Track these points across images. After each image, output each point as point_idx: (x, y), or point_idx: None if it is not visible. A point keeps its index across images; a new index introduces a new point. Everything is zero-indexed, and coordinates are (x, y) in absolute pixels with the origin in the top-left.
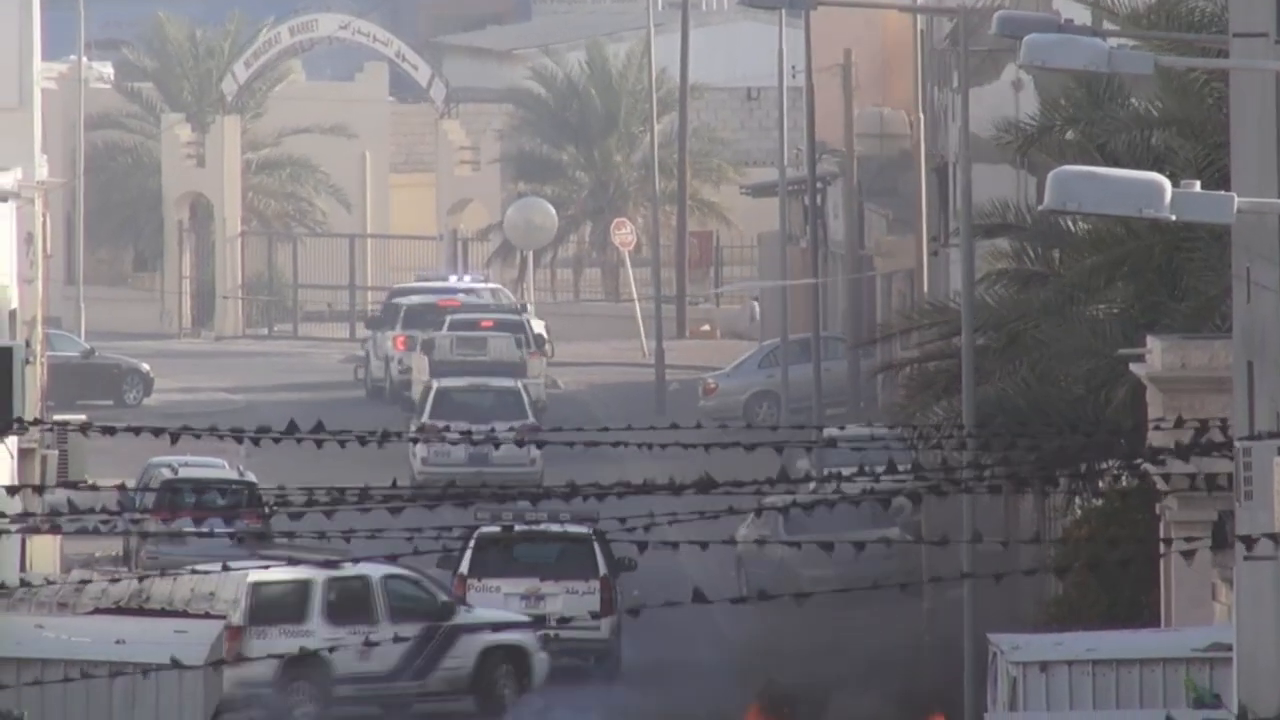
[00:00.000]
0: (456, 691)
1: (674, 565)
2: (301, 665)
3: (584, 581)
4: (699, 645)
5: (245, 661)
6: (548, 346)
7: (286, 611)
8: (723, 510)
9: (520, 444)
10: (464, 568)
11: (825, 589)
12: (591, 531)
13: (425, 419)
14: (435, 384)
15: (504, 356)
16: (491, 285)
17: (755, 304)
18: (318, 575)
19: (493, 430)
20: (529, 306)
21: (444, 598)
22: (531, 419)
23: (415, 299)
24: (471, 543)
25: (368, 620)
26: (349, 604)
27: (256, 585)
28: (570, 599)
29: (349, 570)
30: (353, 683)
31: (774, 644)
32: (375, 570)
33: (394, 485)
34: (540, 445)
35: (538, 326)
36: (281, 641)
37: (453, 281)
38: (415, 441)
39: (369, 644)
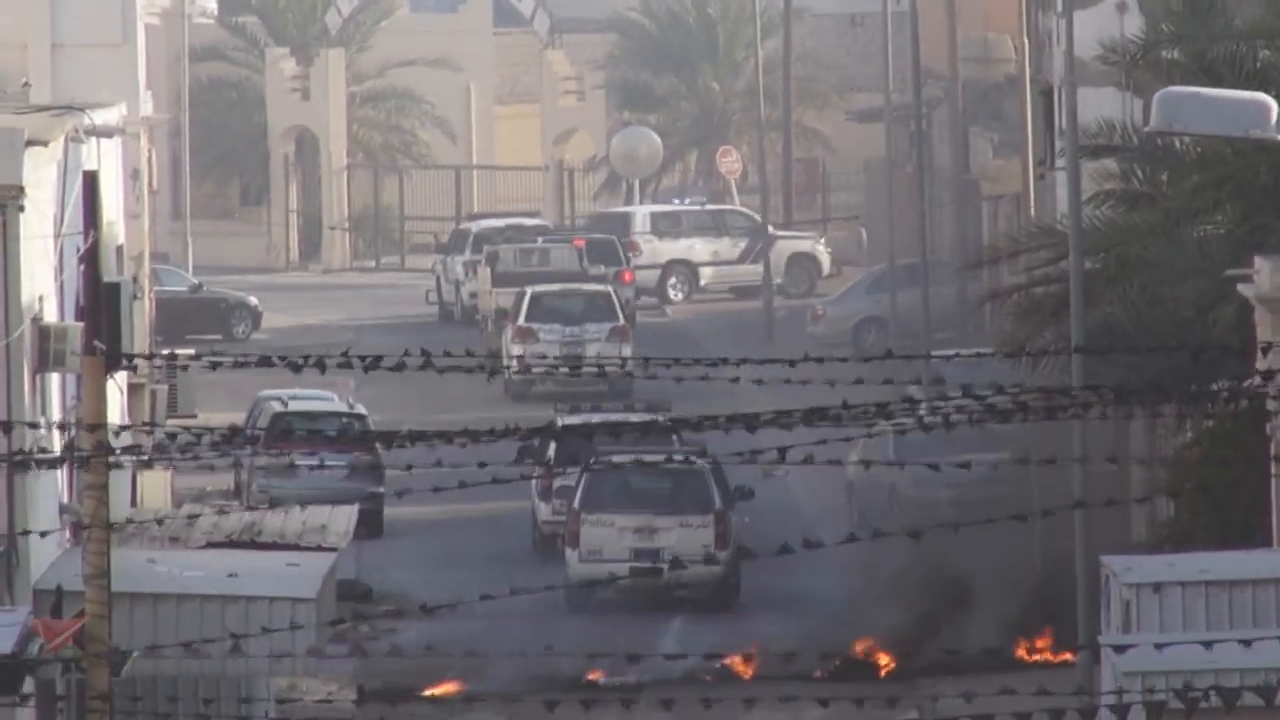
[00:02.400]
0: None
1: (785, 493)
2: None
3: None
4: (810, 569)
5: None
6: (827, 269)
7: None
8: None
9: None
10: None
11: (935, 512)
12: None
13: (521, 322)
14: (529, 290)
15: (565, 266)
16: (729, 207)
17: (863, 230)
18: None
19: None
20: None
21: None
22: (622, 321)
23: (485, 224)
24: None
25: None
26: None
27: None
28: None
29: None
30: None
31: (885, 565)
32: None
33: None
34: (631, 334)
35: (818, 251)
36: None
37: (678, 204)
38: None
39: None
